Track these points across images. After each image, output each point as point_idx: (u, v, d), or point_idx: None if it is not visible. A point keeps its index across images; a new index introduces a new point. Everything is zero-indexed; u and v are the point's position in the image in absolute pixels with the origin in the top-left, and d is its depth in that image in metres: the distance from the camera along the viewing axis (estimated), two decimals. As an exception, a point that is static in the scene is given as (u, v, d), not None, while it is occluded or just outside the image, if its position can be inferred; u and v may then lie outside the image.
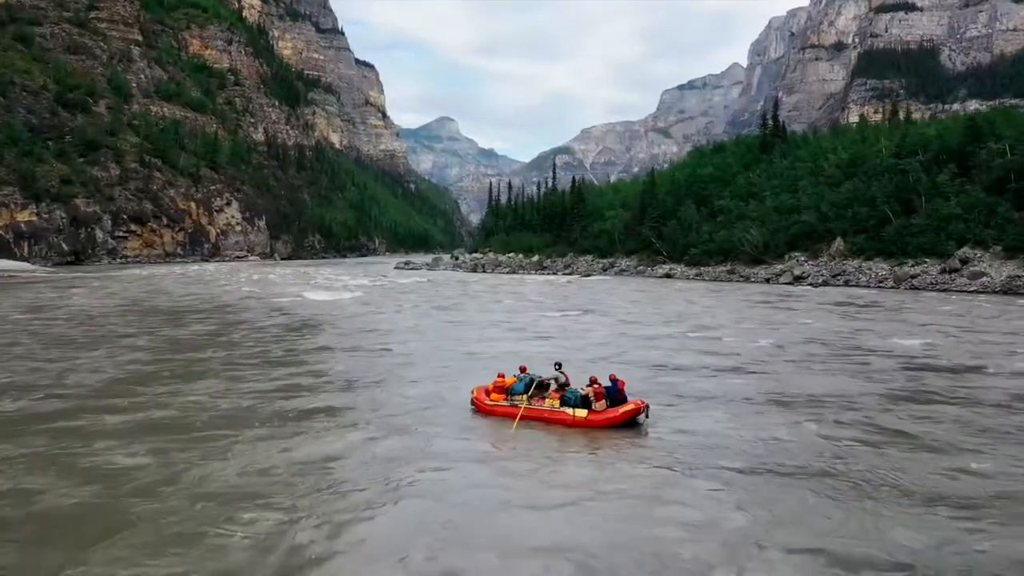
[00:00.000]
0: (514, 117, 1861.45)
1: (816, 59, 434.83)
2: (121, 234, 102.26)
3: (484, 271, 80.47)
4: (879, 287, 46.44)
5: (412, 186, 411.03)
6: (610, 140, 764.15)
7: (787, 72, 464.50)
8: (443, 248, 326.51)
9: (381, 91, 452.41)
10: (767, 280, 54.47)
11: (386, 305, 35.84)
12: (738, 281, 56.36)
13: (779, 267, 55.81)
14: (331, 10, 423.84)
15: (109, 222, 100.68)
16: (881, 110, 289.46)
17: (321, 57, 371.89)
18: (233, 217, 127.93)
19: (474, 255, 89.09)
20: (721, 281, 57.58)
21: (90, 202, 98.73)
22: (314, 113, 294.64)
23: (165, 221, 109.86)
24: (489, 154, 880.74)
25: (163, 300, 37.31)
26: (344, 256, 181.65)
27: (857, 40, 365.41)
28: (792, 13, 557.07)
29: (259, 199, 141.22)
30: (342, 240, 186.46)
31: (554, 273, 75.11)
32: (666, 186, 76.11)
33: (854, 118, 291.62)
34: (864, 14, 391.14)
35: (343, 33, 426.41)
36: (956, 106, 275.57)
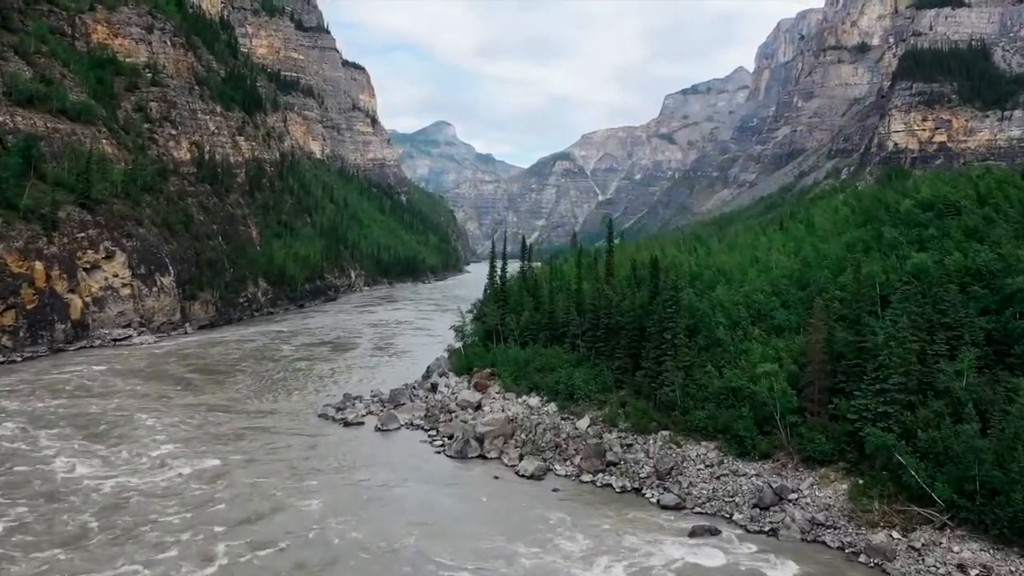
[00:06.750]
0: (513, 121, 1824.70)
1: (838, 62, 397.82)
2: None
3: (483, 456, 39.48)
4: None
5: (403, 198, 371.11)
6: (611, 146, 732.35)
7: (801, 76, 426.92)
8: (434, 273, 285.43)
9: (372, 95, 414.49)
10: None
11: None
12: None
13: None
14: (315, 6, 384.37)
15: None
16: (931, 117, 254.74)
17: (301, 57, 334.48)
18: (116, 276, 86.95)
19: (463, 391, 48.12)
20: None
21: None
22: (285, 120, 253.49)
23: (-22, 297, 69.10)
24: (487, 159, 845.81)
25: None
26: (301, 306, 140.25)
27: (892, 40, 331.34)
28: (803, 15, 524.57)
29: (167, 243, 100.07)
30: (301, 284, 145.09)
31: (636, 487, 34.34)
32: (875, 287, 34.80)
33: (898, 126, 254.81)
34: (891, 12, 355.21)
35: (328, 31, 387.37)
36: (1017, 112, 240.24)
